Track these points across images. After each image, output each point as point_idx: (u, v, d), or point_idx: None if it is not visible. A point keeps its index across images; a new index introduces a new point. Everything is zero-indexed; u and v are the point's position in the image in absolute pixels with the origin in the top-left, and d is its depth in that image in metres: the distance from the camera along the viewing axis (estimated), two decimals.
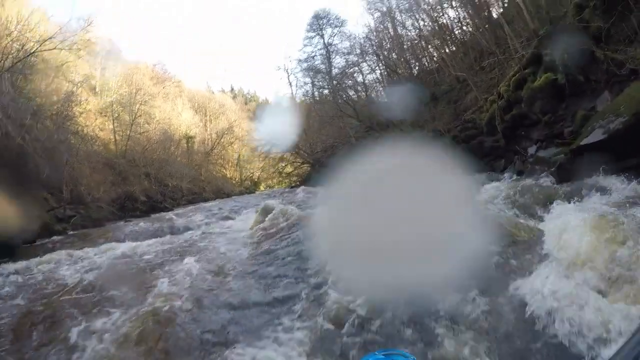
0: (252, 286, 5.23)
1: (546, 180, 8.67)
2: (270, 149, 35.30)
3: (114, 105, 30.77)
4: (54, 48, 18.44)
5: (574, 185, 7.50)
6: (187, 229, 12.49)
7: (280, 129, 28.73)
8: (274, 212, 9.69)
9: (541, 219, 5.80)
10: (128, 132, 30.23)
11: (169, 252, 7.93)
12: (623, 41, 10.25)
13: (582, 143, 8.51)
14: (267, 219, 9.51)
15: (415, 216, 3.68)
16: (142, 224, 14.21)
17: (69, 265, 7.50)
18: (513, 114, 12.68)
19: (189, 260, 6.55)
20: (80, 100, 23.42)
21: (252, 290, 5.06)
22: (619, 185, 6.76)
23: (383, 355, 1.44)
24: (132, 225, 14.53)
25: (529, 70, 12.66)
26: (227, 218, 14.40)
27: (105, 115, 29.78)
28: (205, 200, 31.68)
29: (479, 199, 7.87)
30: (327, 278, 4.76)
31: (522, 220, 5.77)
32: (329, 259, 5.17)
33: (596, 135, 8.24)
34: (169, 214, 18.37)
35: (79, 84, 24.08)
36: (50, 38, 18.27)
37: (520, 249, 4.63)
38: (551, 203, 6.25)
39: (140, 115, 32.37)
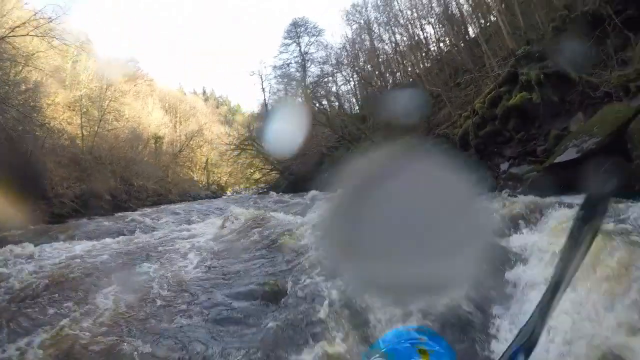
0: (198, 327, 4.29)
1: (521, 197, 8.62)
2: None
3: (83, 100, 29.90)
4: (27, 34, 17.84)
5: (547, 203, 7.47)
6: (148, 231, 12.10)
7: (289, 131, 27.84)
8: (241, 219, 9.21)
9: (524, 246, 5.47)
10: (96, 128, 29.46)
11: (123, 257, 7.51)
12: (598, 65, 10.44)
13: (555, 161, 8.58)
14: (232, 227, 9.03)
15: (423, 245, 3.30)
16: (105, 223, 13.93)
17: (15, 263, 7.07)
18: (487, 131, 12.75)
19: (139, 271, 6.09)
20: (49, 92, 22.77)
21: (194, 336, 4.08)
22: None
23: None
24: (94, 224, 14.13)
25: (505, 88, 12.78)
26: (190, 222, 14.07)
27: (74, 110, 28.89)
28: (171, 202, 31.17)
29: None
30: (298, 335, 3.79)
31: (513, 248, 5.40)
32: (303, 301, 4.40)
33: (570, 154, 8.32)
34: (133, 214, 18.02)
35: (48, 75, 23.34)
36: (23, 24, 17.67)
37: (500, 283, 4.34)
38: (535, 220, 6.09)
39: (110, 112, 31.65)
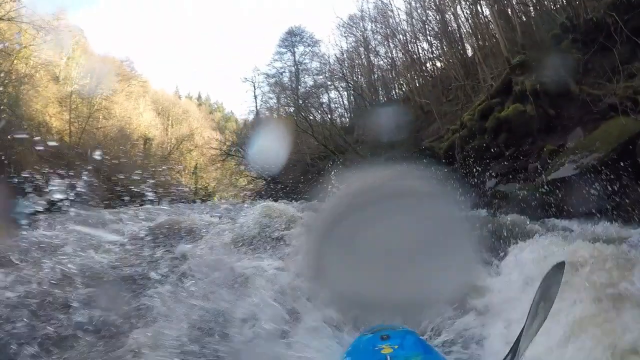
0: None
1: (511, 216, 7.37)
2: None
3: (74, 96, 29.95)
4: (10, 19, 17.37)
5: (538, 225, 6.24)
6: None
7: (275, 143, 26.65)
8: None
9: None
10: (84, 125, 28.69)
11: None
12: (602, 76, 9.32)
13: (550, 177, 7.44)
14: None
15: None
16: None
17: None
18: (474, 145, 11.62)
19: None
20: (38, 85, 22.96)
21: None
22: (588, 229, 5.54)
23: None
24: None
25: (497, 99, 11.73)
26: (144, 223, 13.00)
27: (64, 105, 28.79)
28: (156, 203, 29.89)
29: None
30: None
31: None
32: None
33: (566, 171, 7.25)
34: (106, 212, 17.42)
35: (37, 68, 22.98)
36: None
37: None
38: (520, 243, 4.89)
39: (99, 110, 31.06)
